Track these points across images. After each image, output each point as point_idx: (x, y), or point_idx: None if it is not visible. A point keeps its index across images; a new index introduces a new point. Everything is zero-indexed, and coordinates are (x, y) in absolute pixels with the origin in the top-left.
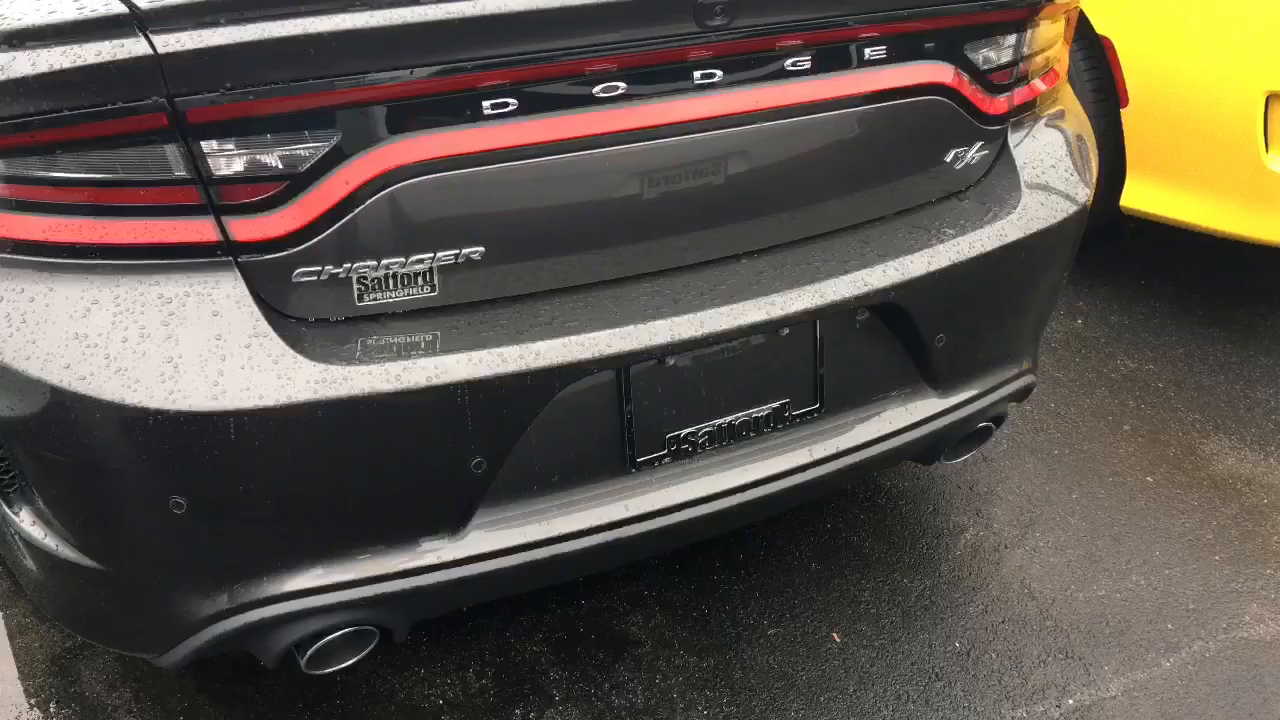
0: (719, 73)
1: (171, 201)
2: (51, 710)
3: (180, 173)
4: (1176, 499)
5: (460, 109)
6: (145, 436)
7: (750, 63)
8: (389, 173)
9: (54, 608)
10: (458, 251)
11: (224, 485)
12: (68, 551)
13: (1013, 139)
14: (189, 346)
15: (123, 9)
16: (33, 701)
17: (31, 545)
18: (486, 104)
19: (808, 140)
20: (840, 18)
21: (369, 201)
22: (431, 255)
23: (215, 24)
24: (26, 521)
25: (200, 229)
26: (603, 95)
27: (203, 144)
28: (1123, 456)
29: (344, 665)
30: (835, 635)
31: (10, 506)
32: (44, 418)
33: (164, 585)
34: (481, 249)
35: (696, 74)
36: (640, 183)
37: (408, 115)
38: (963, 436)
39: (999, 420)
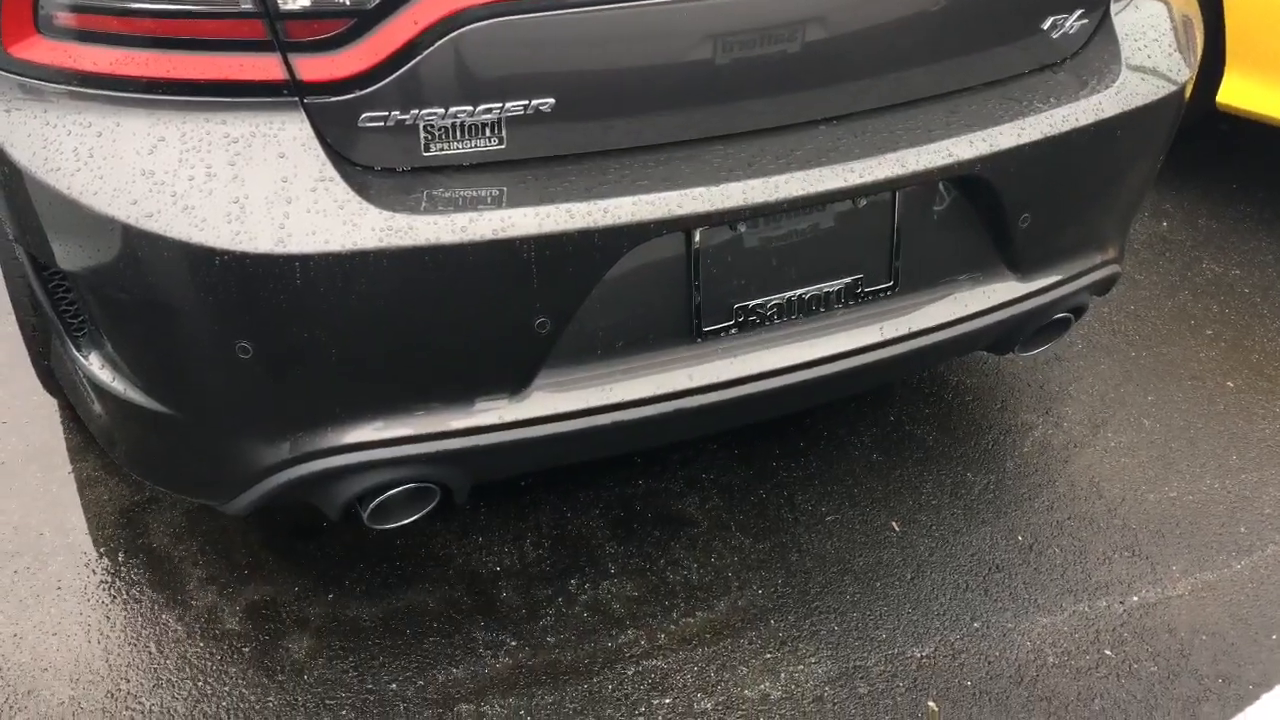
0: None
1: (238, 36)
2: (120, 560)
3: (247, 5)
4: (1258, 405)
5: None
6: (211, 277)
7: None
8: (458, 14)
9: (123, 453)
10: (527, 103)
11: (289, 332)
12: (135, 395)
13: (1114, 8)
14: (255, 188)
15: None
16: (101, 551)
17: (100, 389)
18: None
19: (893, 1)
20: None
21: (437, 44)
22: (500, 105)
23: None
24: (95, 365)
25: (266, 66)
26: None
27: None
28: (1203, 361)
29: (405, 522)
30: (894, 524)
31: (80, 350)
32: (110, 255)
33: (229, 432)
34: (551, 101)
35: None
36: (717, 40)
37: None
38: (1040, 326)
39: (1079, 311)
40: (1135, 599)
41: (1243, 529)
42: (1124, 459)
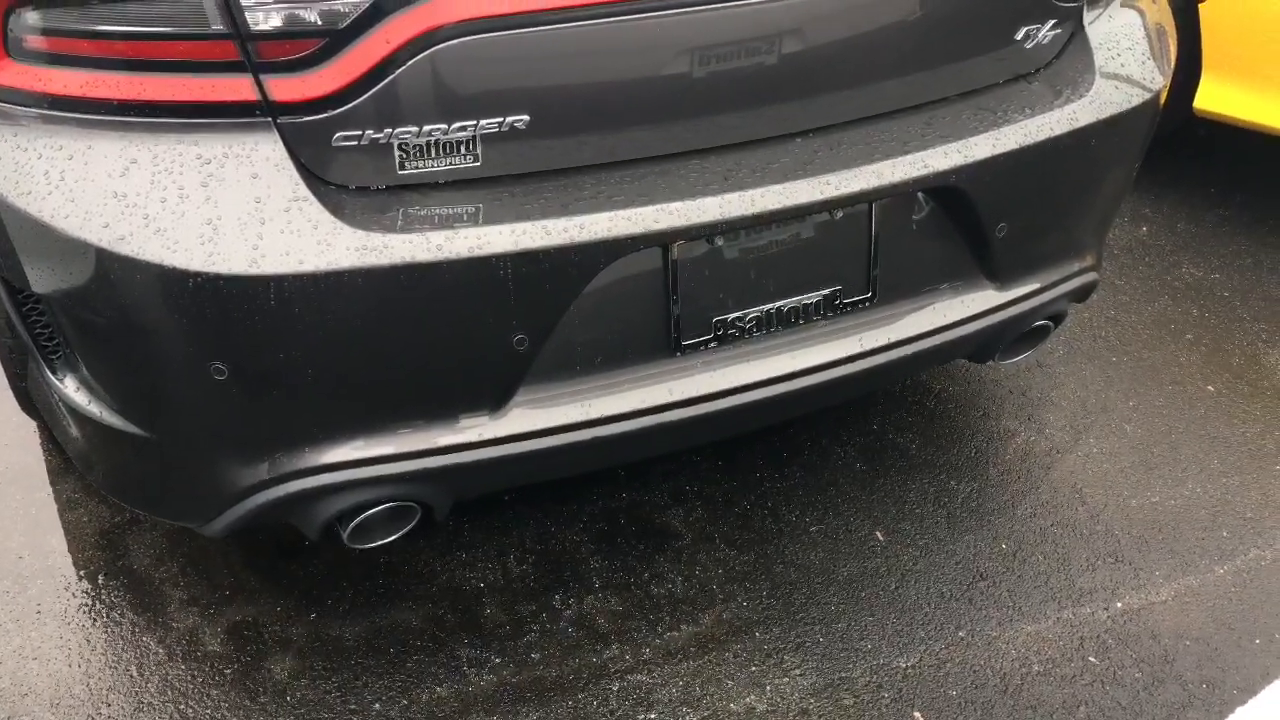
0: None
1: (209, 57)
2: (100, 583)
3: (218, 26)
4: (1238, 408)
5: None
6: (184, 299)
7: None
8: (431, 32)
9: (101, 477)
10: (502, 120)
11: (264, 352)
12: (112, 418)
13: (1087, 18)
14: (228, 209)
15: None
16: (82, 574)
17: (76, 412)
18: None
19: (870, 14)
20: None
21: (410, 63)
22: (474, 123)
23: None
24: (71, 388)
25: (238, 87)
26: None
27: None
28: (1183, 365)
29: (386, 540)
30: (879, 534)
31: (55, 373)
32: (84, 279)
33: (206, 453)
34: (526, 118)
35: None
36: (692, 54)
37: None
38: (1019, 334)
39: (1058, 319)
40: (1119, 605)
41: (1225, 533)
42: (1106, 465)
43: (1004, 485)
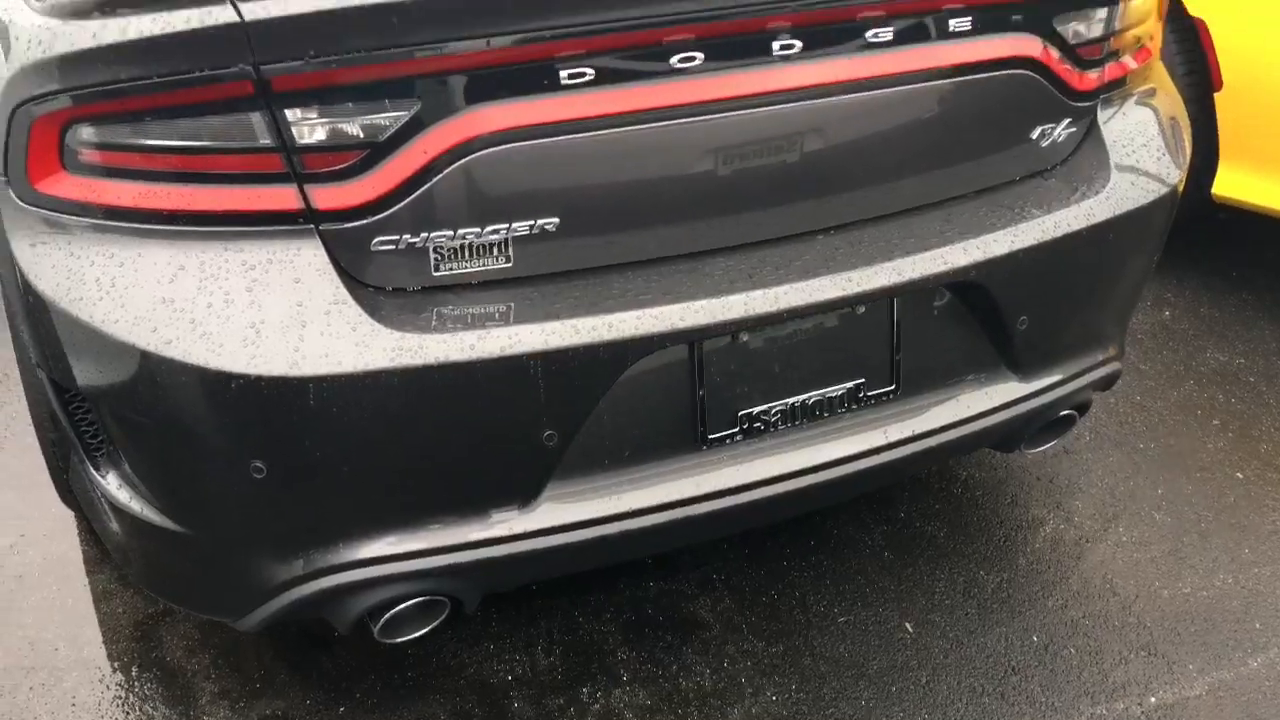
0: (798, 44)
1: (256, 169)
2: (133, 674)
3: (265, 140)
4: (1268, 496)
5: (537, 79)
6: (227, 400)
7: (830, 34)
8: (467, 142)
9: (138, 571)
10: (533, 222)
11: (302, 451)
12: (152, 515)
13: (1102, 116)
14: (271, 312)
15: None
16: (115, 665)
17: (117, 508)
18: (563, 74)
19: (888, 115)
20: None
21: (446, 171)
22: (507, 226)
23: None
24: (113, 485)
25: (283, 197)
26: (680, 66)
27: (287, 112)
28: (1211, 451)
29: (415, 635)
30: (908, 625)
31: (98, 470)
32: (130, 380)
33: (243, 550)
34: (556, 220)
35: (775, 45)
36: (716, 156)
37: (485, 85)
38: (1044, 424)
39: (1082, 409)
40: (1153, 700)
41: (1257, 625)
42: (1136, 554)
43: (1034, 575)
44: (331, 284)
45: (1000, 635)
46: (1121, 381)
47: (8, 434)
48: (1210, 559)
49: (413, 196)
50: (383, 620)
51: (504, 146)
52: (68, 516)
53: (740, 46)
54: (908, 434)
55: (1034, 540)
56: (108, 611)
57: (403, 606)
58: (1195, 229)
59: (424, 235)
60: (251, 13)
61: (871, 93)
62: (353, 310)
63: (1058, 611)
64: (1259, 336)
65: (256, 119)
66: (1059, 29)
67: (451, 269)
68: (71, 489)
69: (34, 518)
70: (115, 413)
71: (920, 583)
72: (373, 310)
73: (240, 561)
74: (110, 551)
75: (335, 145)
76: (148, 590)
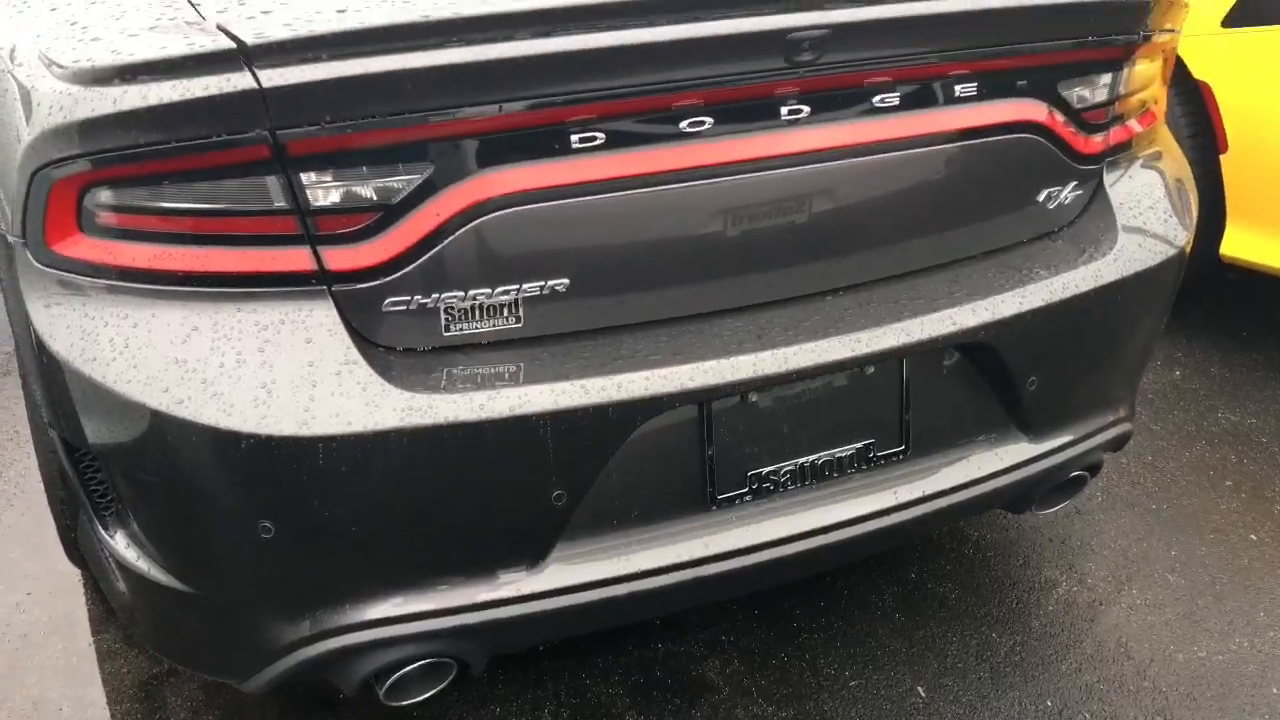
0: (807, 109)
1: (270, 231)
2: None
3: (280, 203)
4: None
5: (549, 143)
6: (237, 460)
7: (838, 99)
8: (478, 205)
9: (144, 631)
10: (543, 283)
11: (311, 511)
12: (158, 574)
13: (1108, 179)
14: (282, 373)
15: (230, 44)
16: None
17: (125, 568)
18: (574, 138)
19: (896, 177)
20: (931, 55)
21: (458, 233)
22: (517, 287)
23: (317, 59)
24: (121, 544)
25: (296, 258)
26: (690, 130)
27: (302, 175)
28: (1224, 513)
29: (421, 698)
30: (920, 689)
31: (106, 529)
32: (142, 440)
33: (250, 610)
34: (566, 281)
35: (784, 110)
36: (725, 218)
37: (497, 149)
38: (1055, 485)
39: (1094, 469)
40: None
41: (1274, 690)
42: (1150, 617)
43: (1047, 638)
44: (343, 344)
45: (1014, 700)
46: (1133, 442)
47: (17, 492)
48: (1225, 622)
49: (424, 258)
50: (389, 682)
51: (515, 209)
52: (74, 575)
53: (749, 111)
54: (918, 495)
55: (1047, 602)
56: (112, 671)
57: (409, 668)
58: (1204, 290)
59: (435, 296)
60: (269, 80)
61: (879, 156)
62: (363, 370)
63: (1072, 676)
64: (1271, 396)
65: (272, 182)
66: (1064, 94)
67: (462, 329)
68: (79, 547)
69: (41, 576)
70: (125, 472)
71: (932, 645)
72: (383, 370)
73: (247, 622)
74: (116, 611)
75: (349, 208)
76: (153, 650)
